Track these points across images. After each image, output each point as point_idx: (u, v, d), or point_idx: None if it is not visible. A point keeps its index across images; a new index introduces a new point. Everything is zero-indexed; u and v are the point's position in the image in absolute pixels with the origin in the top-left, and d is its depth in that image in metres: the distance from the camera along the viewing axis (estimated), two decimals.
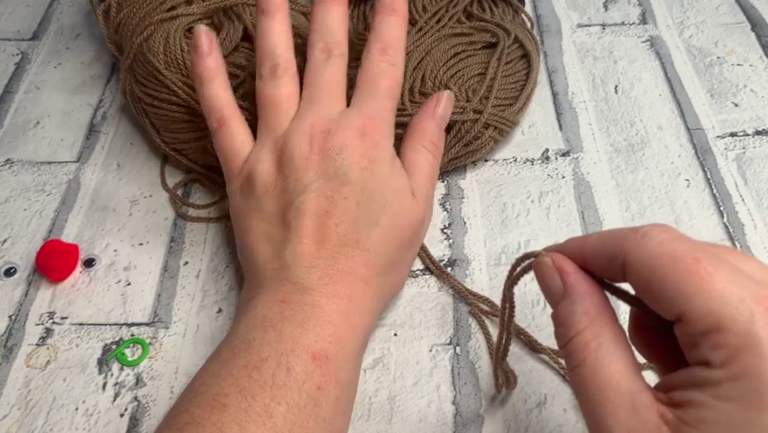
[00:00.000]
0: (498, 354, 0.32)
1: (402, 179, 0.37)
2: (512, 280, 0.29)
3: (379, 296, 0.36)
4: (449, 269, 0.42)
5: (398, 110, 0.44)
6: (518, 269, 0.28)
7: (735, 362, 0.20)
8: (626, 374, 0.22)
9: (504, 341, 0.31)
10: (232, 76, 0.42)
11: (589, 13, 0.60)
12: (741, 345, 0.20)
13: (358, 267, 0.34)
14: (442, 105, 0.41)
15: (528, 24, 0.53)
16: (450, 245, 0.43)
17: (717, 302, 0.20)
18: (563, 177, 0.47)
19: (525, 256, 0.28)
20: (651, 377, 0.37)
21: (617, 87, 0.53)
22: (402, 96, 0.44)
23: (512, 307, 0.30)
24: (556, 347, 0.37)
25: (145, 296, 0.41)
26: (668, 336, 0.23)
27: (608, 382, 0.22)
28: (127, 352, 0.38)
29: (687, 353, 0.22)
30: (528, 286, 0.41)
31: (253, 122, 0.40)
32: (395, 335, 0.39)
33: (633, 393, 0.22)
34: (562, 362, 0.37)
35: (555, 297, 0.25)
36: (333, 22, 0.39)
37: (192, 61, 0.40)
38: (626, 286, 0.25)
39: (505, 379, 0.34)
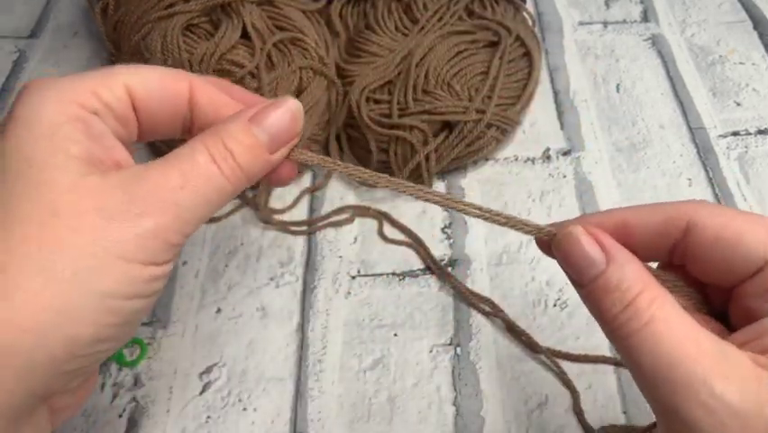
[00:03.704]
0: None
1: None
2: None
3: None
4: (449, 269, 0.42)
5: (400, 109, 0.44)
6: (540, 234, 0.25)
7: None
8: (698, 326, 0.21)
9: None
10: (229, 74, 0.42)
11: (590, 10, 0.59)
12: None
13: None
14: (268, 114, 0.24)
15: (529, 22, 0.53)
16: (450, 245, 0.43)
17: None
18: (565, 176, 0.47)
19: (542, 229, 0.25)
20: None
21: (618, 85, 0.53)
22: (405, 93, 0.44)
23: None
24: (557, 348, 0.37)
25: None
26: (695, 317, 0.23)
27: (686, 335, 0.21)
28: (125, 352, 0.38)
29: (764, 303, 0.22)
30: (529, 286, 0.41)
31: None
32: (395, 335, 0.39)
33: (716, 341, 0.21)
34: (561, 363, 0.37)
35: (595, 266, 0.23)
36: None
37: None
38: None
39: None
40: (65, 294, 0.21)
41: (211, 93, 0.26)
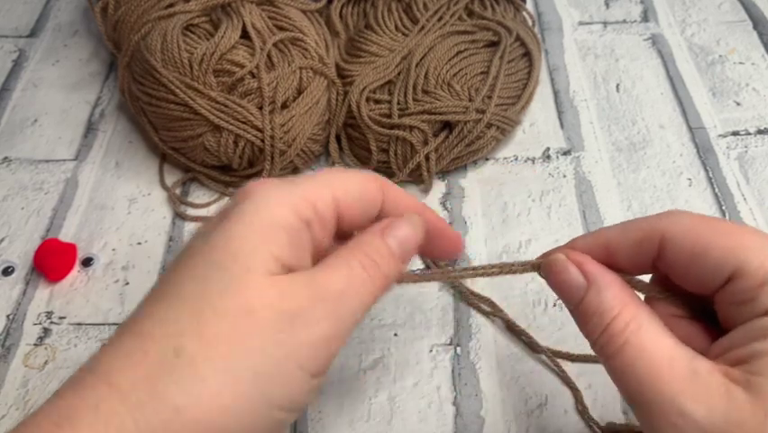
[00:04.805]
0: None
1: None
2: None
3: None
4: (450, 268, 0.42)
5: (400, 109, 0.44)
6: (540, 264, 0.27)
7: None
8: (674, 345, 0.22)
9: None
10: (230, 73, 0.42)
11: (590, 10, 0.59)
12: None
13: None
14: (398, 229, 0.26)
15: (529, 22, 0.53)
16: None
17: None
18: (565, 176, 0.47)
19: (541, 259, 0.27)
20: None
21: (618, 85, 0.53)
22: (405, 93, 0.44)
23: None
24: (556, 348, 0.37)
25: (144, 295, 0.41)
26: (685, 323, 0.24)
27: (659, 357, 0.22)
28: None
29: (739, 311, 0.22)
30: (529, 286, 0.41)
31: (250, 120, 0.40)
32: (395, 335, 0.39)
33: (688, 361, 0.21)
34: (562, 363, 0.37)
35: (578, 291, 0.24)
36: None
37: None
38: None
39: None
40: (241, 398, 0.21)
41: (397, 194, 0.27)
